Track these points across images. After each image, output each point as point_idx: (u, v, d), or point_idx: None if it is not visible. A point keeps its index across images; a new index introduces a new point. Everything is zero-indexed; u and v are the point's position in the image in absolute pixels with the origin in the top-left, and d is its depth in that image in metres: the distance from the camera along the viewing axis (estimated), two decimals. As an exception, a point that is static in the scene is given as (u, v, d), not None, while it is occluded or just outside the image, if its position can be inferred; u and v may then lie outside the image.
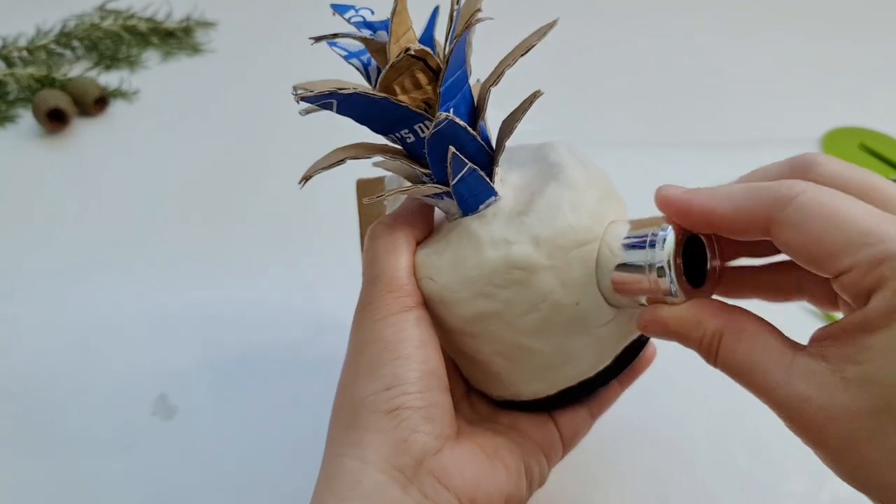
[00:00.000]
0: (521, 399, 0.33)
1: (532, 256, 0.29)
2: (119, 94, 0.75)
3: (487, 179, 0.30)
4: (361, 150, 0.30)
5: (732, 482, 0.41)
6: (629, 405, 0.37)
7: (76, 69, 0.79)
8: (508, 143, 0.31)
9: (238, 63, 0.82)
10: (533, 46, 0.28)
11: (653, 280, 0.27)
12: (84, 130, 0.71)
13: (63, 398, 0.47)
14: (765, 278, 0.30)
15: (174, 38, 0.84)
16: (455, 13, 0.28)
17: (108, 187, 0.65)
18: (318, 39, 0.29)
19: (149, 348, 0.50)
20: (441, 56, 0.29)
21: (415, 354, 0.29)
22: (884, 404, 0.21)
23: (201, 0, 0.88)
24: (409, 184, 0.32)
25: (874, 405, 0.21)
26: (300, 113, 0.29)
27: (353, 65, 0.31)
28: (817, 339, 0.24)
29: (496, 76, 0.29)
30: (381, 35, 0.29)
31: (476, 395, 0.35)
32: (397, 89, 0.29)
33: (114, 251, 0.58)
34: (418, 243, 0.32)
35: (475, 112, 0.30)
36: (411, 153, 0.31)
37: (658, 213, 0.28)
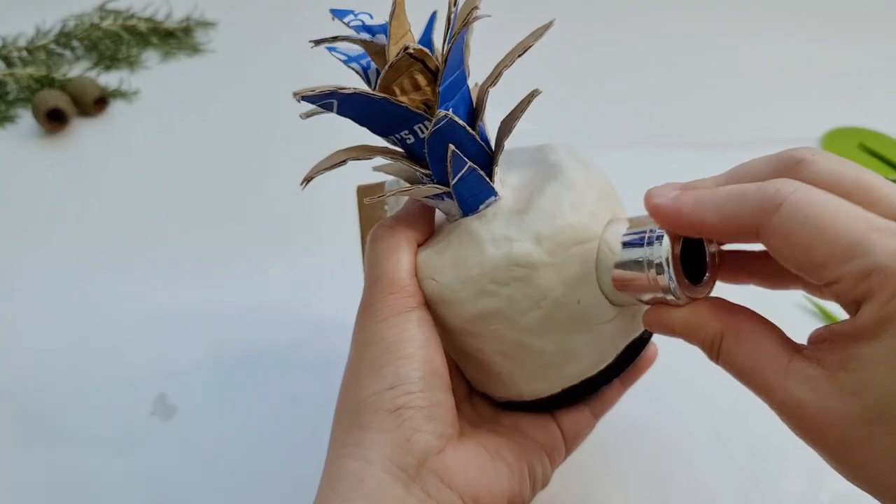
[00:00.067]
0: (524, 399, 0.33)
1: (533, 254, 0.29)
2: (119, 94, 0.75)
3: (487, 179, 0.30)
4: (363, 152, 0.30)
5: (732, 482, 0.41)
6: (629, 405, 0.37)
7: (76, 69, 0.79)
8: (508, 146, 0.31)
9: (238, 63, 0.82)
10: (530, 47, 0.29)
11: (652, 277, 0.27)
12: (84, 130, 0.71)
13: (63, 398, 0.47)
14: (762, 265, 0.30)
15: (174, 38, 0.84)
16: (452, 15, 0.29)
17: (108, 187, 0.65)
18: (317, 43, 0.29)
19: (148, 348, 0.50)
20: (439, 57, 0.29)
21: (417, 354, 0.29)
22: (875, 411, 0.22)
23: (201, 0, 0.88)
24: (409, 185, 0.32)
25: (866, 411, 0.22)
26: (301, 116, 0.29)
27: (353, 68, 0.31)
28: (814, 340, 0.24)
29: (494, 77, 0.29)
30: (380, 38, 0.29)
31: (478, 397, 0.35)
32: (397, 90, 0.29)
33: (114, 251, 0.58)
34: (419, 245, 0.32)
35: (474, 113, 0.30)
36: (411, 154, 0.31)
37: None
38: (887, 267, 0.21)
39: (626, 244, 0.28)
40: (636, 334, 0.32)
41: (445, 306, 0.30)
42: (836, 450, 0.23)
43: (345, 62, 0.31)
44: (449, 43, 0.28)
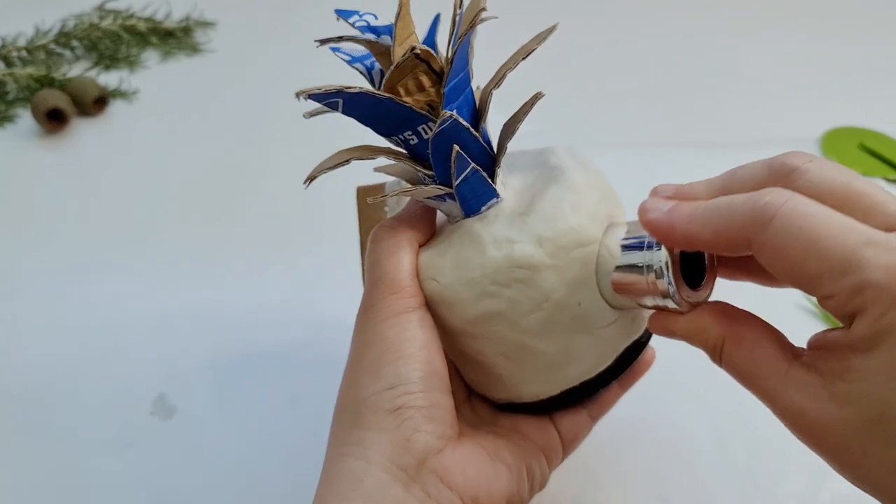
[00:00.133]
0: (523, 401, 0.33)
1: (535, 255, 0.29)
2: (118, 93, 0.75)
3: (489, 181, 0.30)
4: (366, 152, 0.30)
5: (732, 482, 0.41)
6: (629, 405, 0.37)
7: (75, 69, 0.79)
8: (510, 149, 0.31)
9: (237, 63, 0.82)
10: (533, 51, 0.29)
11: (651, 281, 0.27)
12: (83, 130, 0.71)
13: (62, 398, 0.47)
14: (758, 264, 0.30)
15: (173, 37, 0.84)
16: (458, 17, 0.29)
17: (108, 187, 0.65)
18: (323, 42, 0.29)
19: (148, 348, 0.50)
20: (443, 59, 0.29)
21: (418, 355, 0.29)
22: (871, 421, 0.22)
23: (200, 0, 0.88)
24: (411, 186, 0.32)
25: (862, 421, 0.22)
26: (304, 115, 0.29)
27: (357, 69, 0.31)
28: (812, 346, 0.25)
29: (497, 80, 0.29)
30: (385, 39, 0.30)
31: (477, 400, 0.35)
32: (401, 91, 0.29)
33: (113, 251, 0.58)
34: (421, 246, 0.32)
35: (477, 115, 0.31)
36: (414, 155, 0.31)
37: None
38: (879, 283, 0.21)
39: (625, 248, 0.29)
40: (635, 337, 0.32)
41: (446, 307, 0.30)
42: (836, 454, 0.23)
43: (349, 62, 0.31)
44: (454, 45, 0.28)
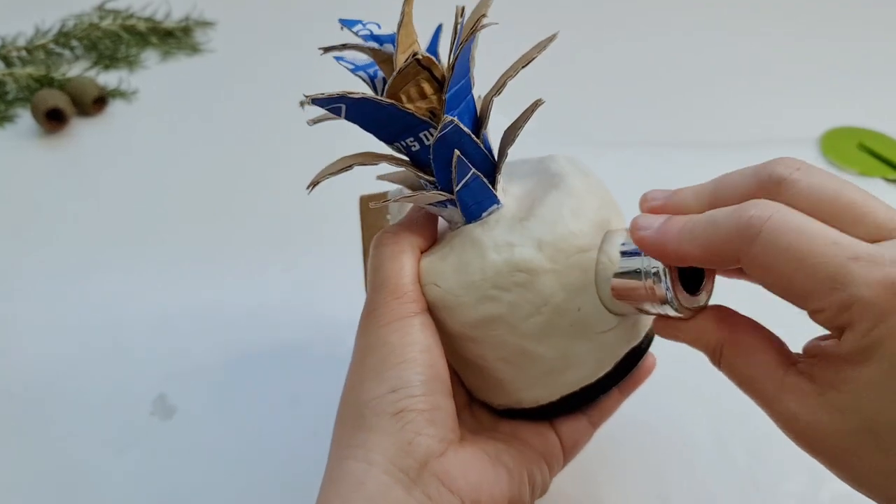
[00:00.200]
0: (523, 406, 0.33)
1: (535, 259, 0.29)
2: (118, 93, 0.75)
3: (490, 187, 0.31)
4: (369, 158, 0.30)
5: (732, 482, 0.41)
6: (630, 405, 0.37)
7: (75, 69, 0.79)
8: (510, 158, 0.32)
9: (237, 63, 0.82)
10: (533, 59, 0.29)
11: (649, 286, 0.27)
12: (83, 130, 0.71)
13: (62, 398, 0.47)
14: None
15: (173, 37, 0.84)
16: (459, 26, 0.29)
17: (108, 187, 0.65)
18: (326, 50, 0.29)
19: (148, 348, 0.50)
20: (446, 67, 0.30)
21: (420, 358, 0.29)
22: (863, 430, 0.23)
23: (200, 0, 0.88)
24: (413, 192, 0.32)
25: (854, 429, 0.23)
26: (308, 123, 0.30)
27: (360, 77, 0.31)
28: (808, 352, 0.25)
29: (498, 87, 0.30)
30: (388, 47, 0.30)
31: (477, 406, 0.35)
32: (403, 98, 0.29)
33: (113, 251, 0.58)
34: (423, 252, 0.32)
35: (478, 122, 0.31)
36: (416, 162, 0.31)
37: None
38: (866, 298, 0.21)
39: (624, 254, 0.29)
40: (635, 343, 0.33)
41: (447, 311, 0.31)
42: (832, 459, 0.24)
43: (352, 71, 0.31)
44: (456, 51, 0.28)
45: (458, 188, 0.30)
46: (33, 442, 0.45)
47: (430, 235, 0.33)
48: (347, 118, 0.29)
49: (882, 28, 0.87)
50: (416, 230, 0.32)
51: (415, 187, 0.33)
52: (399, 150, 0.31)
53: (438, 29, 0.32)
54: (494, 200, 0.31)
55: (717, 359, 0.27)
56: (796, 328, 0.27)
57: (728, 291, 0.30)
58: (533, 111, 0.29)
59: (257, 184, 0.65)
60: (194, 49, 0.83)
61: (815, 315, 0.23)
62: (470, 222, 0.31)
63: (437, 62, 0.29)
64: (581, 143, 0.66)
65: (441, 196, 0.30)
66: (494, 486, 0.30)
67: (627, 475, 0.42)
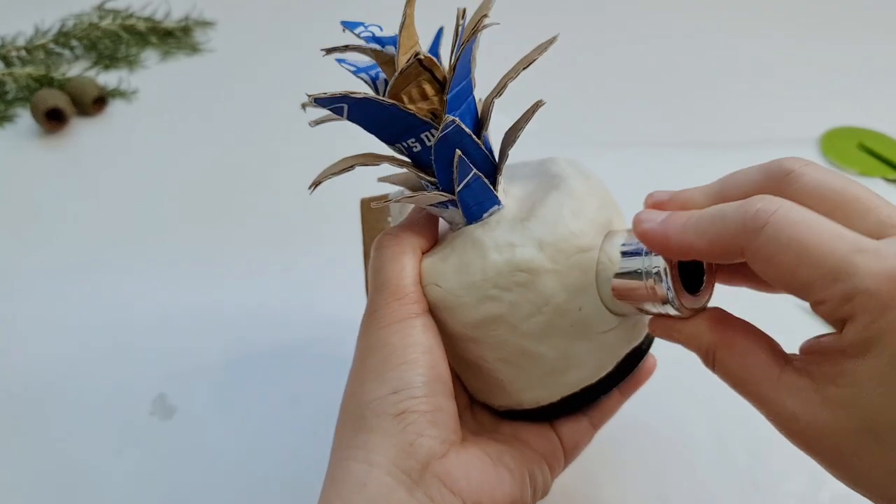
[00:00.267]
0: (524, 407, 0.33)
1: (535, 259, 0.29)
2: (118, 93, 0.75)
3: (491, 188, 0.31)
4: (370, 158, 0.30)
5: (732, 482, 0.41)
6: (630, 405, 0.37)
7: (75, 69, 0.79)
8: (511, 159, 0.32)
9: (237, 62, 0.82)
10: (534, 61, 0.29)
11: (650, 286, 0.27)
12: (83, 130, 0.71)
13: (62, 397, 0.47)
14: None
15: (173, 37, 0.84)
16: (460, 28, 0.29)
17: (108, 187, 0.65)
18: (329, 52, 0.29)
19: (148, 348, 0.50)
20: (447, 69, 0.30)
21: (421, 360, 0.29)
22: (863, 425, 0.22)
23: (200, 0, 0.88)
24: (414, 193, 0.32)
25: (854, 425, 0.23)
26: (310, 124, 0.30)
27: (362, 79, 0.31)
28: (805, 351, 0.25)
29: (499, 89, 0.30)
30: (390, 49, 0.30)
31: (478, 408, 0.35)
32: (405, 99, 0.29)
33: (113, 251, 0.58)
34: (424, 253, 0.32)
35: (479, 123, 0.31)
36: (418, 163, 0.31)
37: None
38: (869, 289, 0.21)
39: (624, 254, 0.29)
40: (636, 343, 0.33)
41: (448, 312, 0.31)
42: (830, 459, 0.24)
43: (354, 73, 0.31)
44: (457, 52, 0.28)
45: (459, 188, 0.30)
46: (33, 442, 0.45)
47: (432, 237, 0.33)
48: (349, 119, 0.29)
49: (881, 30, 0.87)
50: (418, 231, 0.32)
51: (416, 189, 0.33)
52: (400, 151, 0.31)
53: (440, 32, 0.32)
54: (495, 201, 0.31)
55: (711, 361, 0.27)
56: (791, 334, 0.27)
57: (726, 297, 0.30)
58: (534, 112, 0.29)
59: (257, 184, 0.65)
60: (194, 49, 0.83)
61: (817, 307, 0.23)
62: (471, 223, 0.31)
63: (438, 63, 0.29)
64: (582, 143, 0.66)
65: (442, 197, 0.30)
66: (496, 488, 0.29)
67: (628, 476, 0.42)
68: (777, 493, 0.41)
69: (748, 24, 0.88)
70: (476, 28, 0.28)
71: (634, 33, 0.87)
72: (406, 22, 0.29)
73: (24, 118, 0.72)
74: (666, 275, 0.27)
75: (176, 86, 0.78)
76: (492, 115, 0.30)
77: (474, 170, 0.29)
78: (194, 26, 0.86)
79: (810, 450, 0.24)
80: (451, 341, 0.31)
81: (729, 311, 0.28)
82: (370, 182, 0.36)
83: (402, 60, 0.29)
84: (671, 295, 0.27)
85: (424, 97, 0.29)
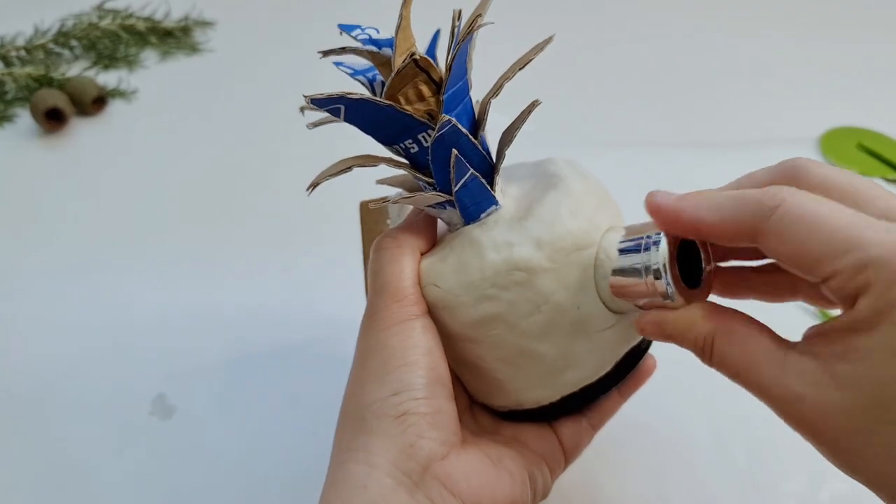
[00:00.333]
0: (524, 408, 0.33)
1: (533, 258, 0.29)
2: (117, 93, 0.75)
3: (488, 188, 0.31)
4: (368, 159, 0.30)
5: (732, 482, 0.41)
6: (630, 406, 0.37)
7: (74, 69, 0.79)
8: (508, 160, 0.32)
9: (236, 62, 0.82)
10: (531, 61, 0.29)
11: (650, 283, 0.27)
12: (82, 130, 0.71)
13: (61, 397, 0.47)
14: (761, 279, 0.30)
15: (172, 37, 0.84)
16: (456, 29, 0.29)
17: (107, 187, 0.65)
18: (325, 54, 0.29)
19: (147, 348, 0.50)
20: (443, 69, 0.30)
21: (421, 361, 0.29)
22: (873, 402, 0.22)
23: (199, 0, 0.88)
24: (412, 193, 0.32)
25: (864, 402, 0.22)
26: (308, 126, 0.30)
27: (360, 81, 0.31)
28: (809, 336, 0.25)
29: (496, 89, 0.30)
30: (386, 51, 0.30)
31: (478, 409, 0.35)
32: (402, 100, 0.29)
33: (113, 251, 0.58)
34: (423, 254, 0.32)
35: (476, 124, 0.31)
36: (415, 164, 0.31)
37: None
38: (882, 258, 0.21)
39: (622, 251, 0.29)
40: (635, 342, 0.33)
41: (447, 312, 0.31)
42: (834, 443, 0.23)
43: (351, 75, 0.31)
44: (453, 51, 0.28)
45: (456, 188, 0.30)
46: (33, 442, 0.45)
47: (430, 238, 0.33)
48: (346, 120, 0.29)
49: (881, 29, 0.87)
50: (416, 232, 0.32)
51: (414, 190, 0.33)
52: (398, 153, 0.31)
53: (436, 34, 0.32)
54: (493, 201, 0.31)
55: (708, 352, 0.26)
56: (796, 330, 0.27)
57: (725, 300, 0.30)
58: (530, 112, 0.29)
59: (257, 184, 0.65)
60: (193, 49, 0.83)
61: (828, 282, 0.23)
62: (469, 223, 0.31)
63: (434, 64, 0.29)
64: (581, 143, 0.66)
65: (440, 197, 0.30)
66: (496, 489, 0.29)
67: (628, 476, 0.42)
68: (777, 493, 0.41)
69: (748, 24, 0.88)
70: (472, 27, 0.28)
71: (634, 33, 0.87)
72: (402, 23, 0.29)
73: (24, 118, 0.72)
74: (665, 271, 0.27)
75: (175, 86, 0.78)
76: (489, 115, 0.30)
77: (471, 170, 0.29)
78: (194, 26, 0.86)
79: (814, 434, 0.24)
80: (450, 342, 0.31)
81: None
82: (369, 182, 0.36)
83: (399, 61, 0.29)
84: (671, 290, 0.27)
85: (421, 98, 0.29)
